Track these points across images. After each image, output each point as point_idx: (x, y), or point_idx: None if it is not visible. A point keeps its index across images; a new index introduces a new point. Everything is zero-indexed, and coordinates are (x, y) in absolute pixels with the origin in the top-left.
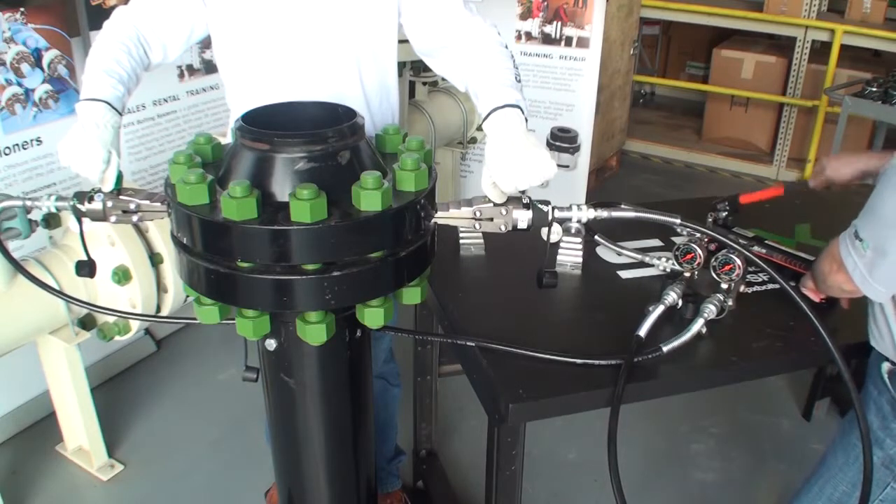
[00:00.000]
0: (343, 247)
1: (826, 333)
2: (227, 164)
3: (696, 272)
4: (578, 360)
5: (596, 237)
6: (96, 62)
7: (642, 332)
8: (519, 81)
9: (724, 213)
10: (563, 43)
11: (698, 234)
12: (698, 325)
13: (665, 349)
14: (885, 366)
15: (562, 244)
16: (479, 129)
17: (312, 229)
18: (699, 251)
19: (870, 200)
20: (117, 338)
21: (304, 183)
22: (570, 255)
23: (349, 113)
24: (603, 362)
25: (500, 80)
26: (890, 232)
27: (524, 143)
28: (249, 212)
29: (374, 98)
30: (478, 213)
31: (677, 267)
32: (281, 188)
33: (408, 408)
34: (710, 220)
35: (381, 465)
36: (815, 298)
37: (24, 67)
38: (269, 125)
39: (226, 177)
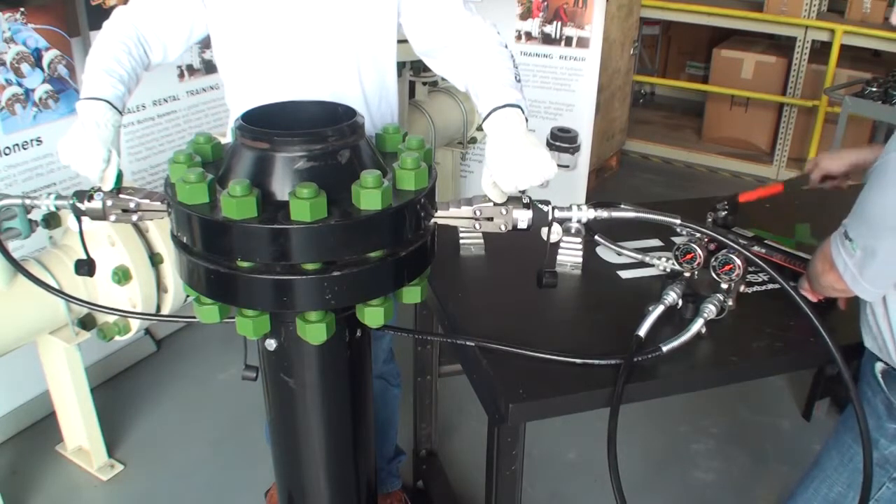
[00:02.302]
0: (343, 246)
1: (826, 333)
2: (226, 163)
3: (696, 272)
4: (578, 360)
5: (596, 237)
6: (96, 61)
7: (642, 331)
8: (519, 81)
9: (724, 213)
10: (563, 43)
11: (698, 235)
12: (698, 325)
13: (665, 349)
14: (879, 365)
15: (562, 244)
16: (480, 129)
17: (312, 228)
18: (699, 251)
19: (858, 200)
20: (117, 338)
21: (303, 182)
22: (570, 255)
23: (349, 112)
24: (602, 362)
25: (500, 79)
26: (877, 232)
27: (525, 143)
28: (249, 210)
29: (373, 98)
30: (478, 213)
31: (677, 267)
32: (281, 187)
33: (408, 408)
34: (710, 220)
35: (381, 466)
36: (813, 299)
37: (24, 67)
38: (268, 124)
39: (226, 176)
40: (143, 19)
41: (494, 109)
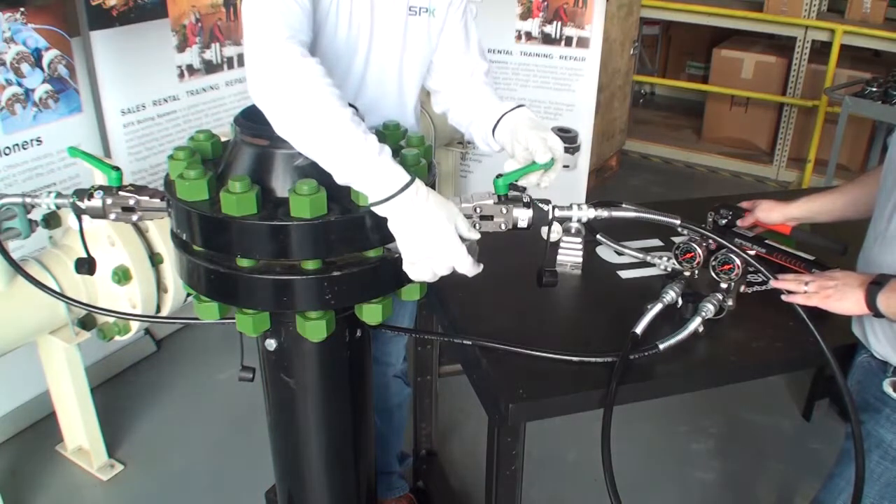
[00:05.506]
0: (343, 242)
1: (820, 336)
2: (226, 160)
3: (697, 271)
4: (574, 358)
5: (598, 236)
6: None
7: (639, 329)
8: None
9: (725, 221)
10: (563, 43)
11: (698, 234)
12: (695, 324)
13: (661, 346)
14: (888, 382)
15: (562, 244)
16: (468, 142)
17: (312, 225)
18: (699, 250)
19: None
20: (117, 338)
21: (303, 179)
22: (570, 255)
23: None
24: (599, 359)
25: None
26: None
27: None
28: (249, 207)
29: (412, 119)
30: (477, 210)
31: (677, 266)
32: (281, 184)
33: (408, 408)
34: (711, 219)
35: (393, 468)
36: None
37: (24, 67)
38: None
39: (225, 173)
40: (304, 45)
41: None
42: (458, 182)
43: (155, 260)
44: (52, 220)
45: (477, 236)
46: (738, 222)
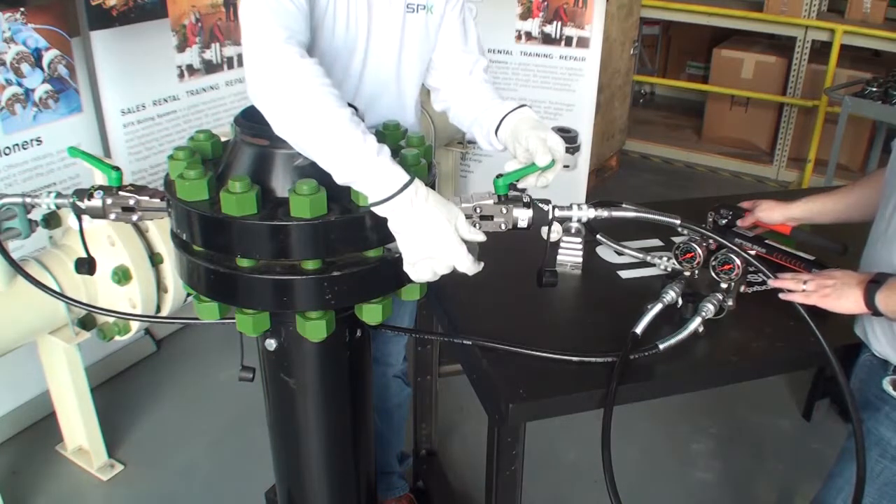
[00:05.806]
0: (343, 242)
1: (821, 336)
2: (226, 160)
3: (697, 271)
4: (574, 358)
5: (598, 236)
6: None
7: (639, 329)
8: None
9: (725, 220)
10: (563, 43)
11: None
12: (695, 324)
13: (661, 346)
14: (888, 380)
15: (562, 244)
16: (471, 141)
17: (312, 225)
18: (699, 250)
19: None
20: (117, 338)
21: (303, 179)
22: (570, 255)
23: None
24: (599, 359)
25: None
26: None
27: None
28: (249, 207)
29: (411, 117)
30: (477, 210)
31: (677, 266)
32: (281, 184)
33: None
34: (711, 219)
35: (393, 468)
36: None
37: (24, 67)
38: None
39: (225, 173)
40: (303, 46)
41: (508, 114)
42: (458, 182)
43: (155, 260)
44: (52, 220)
45: (481, 238)
46: (739, 222)
